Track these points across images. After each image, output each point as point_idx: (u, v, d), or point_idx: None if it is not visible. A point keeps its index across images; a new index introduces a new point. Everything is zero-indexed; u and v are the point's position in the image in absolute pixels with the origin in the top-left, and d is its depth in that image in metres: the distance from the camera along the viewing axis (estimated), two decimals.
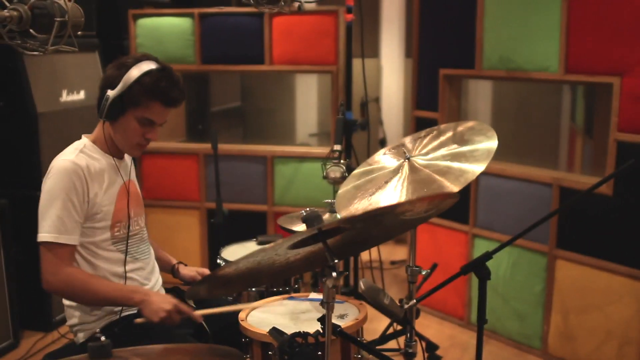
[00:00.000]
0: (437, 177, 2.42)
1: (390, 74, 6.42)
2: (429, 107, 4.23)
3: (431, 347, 3.78)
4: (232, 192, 4.46)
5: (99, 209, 2.40)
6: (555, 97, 5.91)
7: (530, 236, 3.74)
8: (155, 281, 2.63)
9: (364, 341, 2.50)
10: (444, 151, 2.54)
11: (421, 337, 3.81)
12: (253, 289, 3.05)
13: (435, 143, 2.59)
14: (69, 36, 2.21)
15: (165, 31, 4.48)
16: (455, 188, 2.35)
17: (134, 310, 2.50)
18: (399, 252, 5.41)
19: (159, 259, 2.74)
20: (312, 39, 4.27)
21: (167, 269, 2.78)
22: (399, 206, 1.70)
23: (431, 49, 4.22)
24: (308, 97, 6.76)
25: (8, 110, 3.92)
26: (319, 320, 1.93)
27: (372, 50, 6.73)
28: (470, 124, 2.61)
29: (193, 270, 2.75)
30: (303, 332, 1.93)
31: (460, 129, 2.62)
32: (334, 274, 1.67)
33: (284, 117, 6.62)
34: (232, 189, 4.47)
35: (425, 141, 2.64)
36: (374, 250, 4.21)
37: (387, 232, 1.94)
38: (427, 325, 4.20)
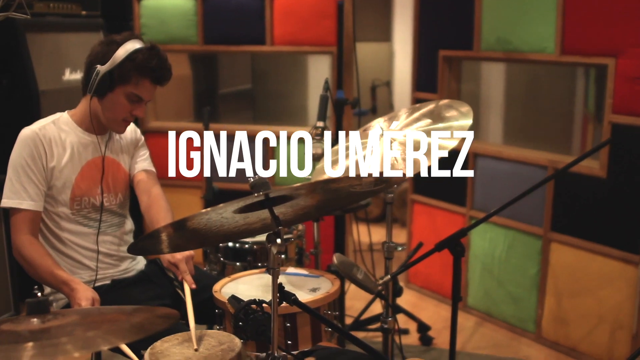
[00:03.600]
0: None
1: (403, 58, 6.40)
2: (429, 88, 4.22)
3: (423, 328, 3.79)
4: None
5: (57, 180, 2.44)
6: (568, 81, 5.86)
7: (526, 219, 3.75)
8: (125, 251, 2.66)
9: (333, 316, 2.51)
10: (419, 127, 2.54)
11: (413, 318, 3.84)
12: (238, 263, 3.08)
13: (413, 119, 2.59)
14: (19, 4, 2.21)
15: (168, 12, 4.51)
16: (427, 162, 2.36)
17: (107, 281, 2.55)
18: (403, 235, 5.40)
19: (148, 222, 2.65)
20: (312, 20, 4.27)
21: None
22: (333, 181, 1.73)
23: (431, 30, 4.20)
24: (320, 80, 6.75)
25: (10, 87, 3.98)
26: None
27: (384, 34, 6.72)
28: (446, 101, 2.61)
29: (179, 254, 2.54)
30: (259, 299, 1.95)
31: (437, 106, 2.61)
32: (279, 240, 1.69)
33: (295, 100, 6.64)
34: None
35: (403, 117, 2.64)
36: (363, 232, 4.20)
37: (339, 202, 1.95)
38: (424, 308, 4.20)
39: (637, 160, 3.25)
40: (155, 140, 4.70)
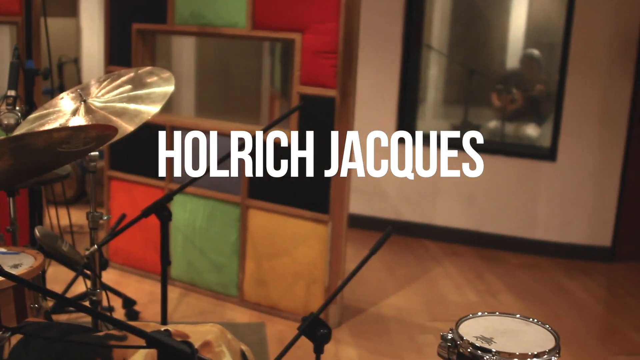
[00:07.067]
0: (113, 117, 2.40)
1: (90, 33, 6.22)
2: (123, 62, 4.15)
3: (128, 303, 3.76)
4: None
5: None
6: (257, 59, 6.17)
7: (225, 188, 3.88)
8: None
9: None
10: (121, 94, 2.52)
11: (118, 294, 3.78)
12: None
13: (113, 86, 2.56)
14: None
15: None
16: (130, 128, 2.35)
17: None
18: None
19: None
20: None
21: None
22: (44, 133, 1.66)
23: (124, 3, 4.13)
24: (4, 52, 6.28)
25: None
26: None
27: (70, 9, 6.45)
28: (149, 68, 2.62)
29: None
30: None
31: (139, 72, 2.61)
32: None
33: None
34: None
35: (104, 84, 2.60)
36: (62, 213, 4.04)
37: (46, 164, 1.87)
38: (127, 284, 4.15)
39: (322, 126, 3.53)
40: None
